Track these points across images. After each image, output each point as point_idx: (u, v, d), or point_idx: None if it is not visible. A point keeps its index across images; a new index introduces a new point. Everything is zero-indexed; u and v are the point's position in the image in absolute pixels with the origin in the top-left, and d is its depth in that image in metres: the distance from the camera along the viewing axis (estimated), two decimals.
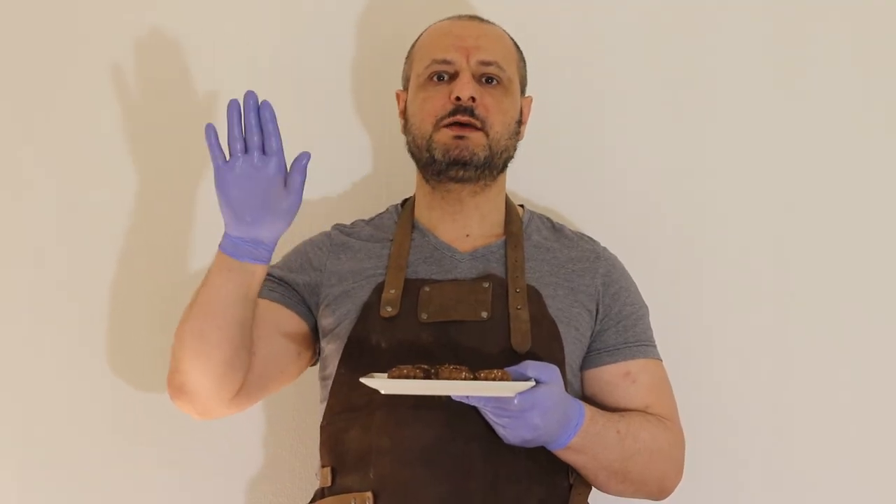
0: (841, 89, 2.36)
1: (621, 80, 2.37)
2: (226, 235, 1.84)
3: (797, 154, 2.36)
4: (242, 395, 1.94)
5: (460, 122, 1.96)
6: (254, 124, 1.78)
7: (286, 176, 1.82)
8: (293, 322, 2.00)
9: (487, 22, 2.08)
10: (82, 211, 2.33)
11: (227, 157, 1.80)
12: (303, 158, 1.81)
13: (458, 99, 1.96)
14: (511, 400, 1.74)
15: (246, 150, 1.80)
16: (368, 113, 2.35)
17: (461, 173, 1.98)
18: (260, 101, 1.79)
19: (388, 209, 2.13)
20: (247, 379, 1.93)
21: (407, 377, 1.73)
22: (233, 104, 1.79)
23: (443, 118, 1.97)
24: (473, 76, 1.99)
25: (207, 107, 2.34)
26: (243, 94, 1.79)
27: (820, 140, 2.36)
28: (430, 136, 1.98)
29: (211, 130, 1.80)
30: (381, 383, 1.74)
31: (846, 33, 2.36)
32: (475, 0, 2.36)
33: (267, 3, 2.37)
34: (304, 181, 1.82)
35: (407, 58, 2.10)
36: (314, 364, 2.06)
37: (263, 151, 1.80)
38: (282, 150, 1.81)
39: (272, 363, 1.98)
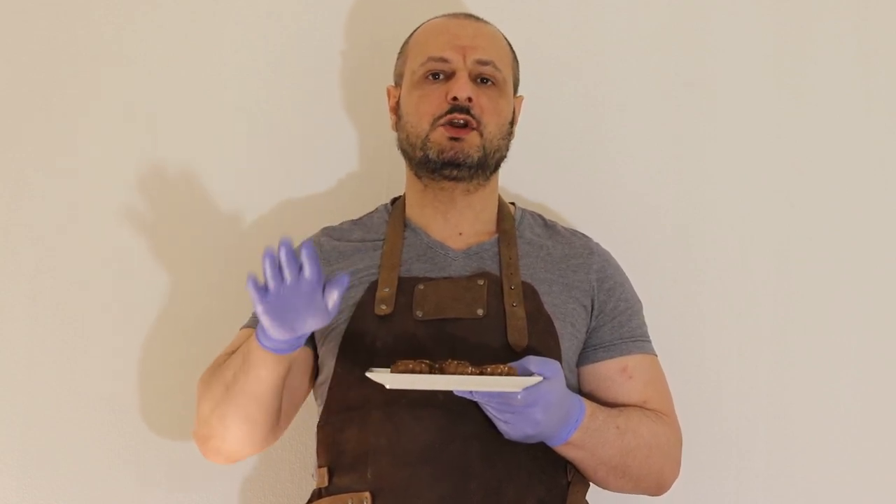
0: (843, 90, 2.37)
1: (620, 78, 2.37)
2: (267, 338, 1.79)
3: (797, 154, 2.37)
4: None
5: (457, 119, 1.96)
6: (288, 260, 1.72)
7: (323, 288, 1.74)
8: (303, 352, 1.99)
9: (482, 21, 2.07)
10: (86, 214, 2.33)
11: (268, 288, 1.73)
12: (343, 281, 1.74)
13: (454, 99, 1.96)
14: (515, 395, 1.74)
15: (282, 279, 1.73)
16: (360, 111, 2.34)
17: (455, 172, 1.97)
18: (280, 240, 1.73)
19: (377, 209, 2.11)
20: None
21: (412, 371, 1.72)
22: (267, 252, 1.72)
23: (439, 117, 1.97)
24: (470, 75, 1.99)
25: (206, 106, 2.35)
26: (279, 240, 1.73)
27: (821, 140, 2.37)
28: (427, 135, 1.97)
29: (251, 281, 1.73)
30: (387, 377, 1.73)
31: (848, 33, 2.37)
32: (471, 0, 2.36)
33: (261, 2, 2.36)
34: (341, 294, 1.74)
35: (400, 53, 2.09)
36: None
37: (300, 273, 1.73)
38: (318, 271, 1.72)
39: (294, 399, 2.00)
